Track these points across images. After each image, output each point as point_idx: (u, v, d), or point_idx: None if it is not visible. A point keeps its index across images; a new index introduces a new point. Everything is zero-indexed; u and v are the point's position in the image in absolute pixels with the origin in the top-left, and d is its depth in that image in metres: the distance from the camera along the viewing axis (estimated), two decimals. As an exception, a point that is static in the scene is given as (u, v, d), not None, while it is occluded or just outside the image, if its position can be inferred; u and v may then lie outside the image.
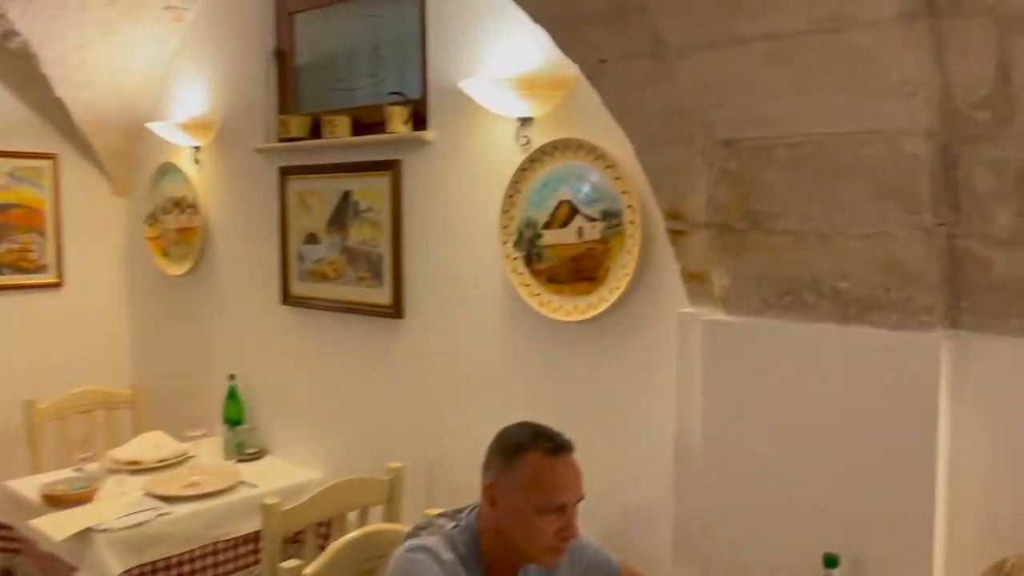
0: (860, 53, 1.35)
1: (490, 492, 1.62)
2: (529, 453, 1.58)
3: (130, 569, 2.47)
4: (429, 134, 2.60)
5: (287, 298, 3.15)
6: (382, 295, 2.80)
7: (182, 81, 3.54)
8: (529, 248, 2.34)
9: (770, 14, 1.40)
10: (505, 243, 2.39)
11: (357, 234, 2.87)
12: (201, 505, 2.69)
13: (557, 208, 2.27)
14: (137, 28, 3.38)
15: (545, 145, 2.27)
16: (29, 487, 2.84)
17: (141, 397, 3.60)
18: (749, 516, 1.77)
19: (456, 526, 1.66)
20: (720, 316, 1.78)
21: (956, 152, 1.40)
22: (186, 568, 2.60)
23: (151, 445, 3.13)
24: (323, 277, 3.00)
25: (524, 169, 2.33)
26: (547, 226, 2.30)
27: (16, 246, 3.64)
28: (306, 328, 3.12)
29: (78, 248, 3.82)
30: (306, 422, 3.14)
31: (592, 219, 2.20)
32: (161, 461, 3.04)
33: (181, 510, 2.64)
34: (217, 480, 2.83)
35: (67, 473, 2.91)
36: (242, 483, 2.86)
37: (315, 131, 3.01)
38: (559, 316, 2.28)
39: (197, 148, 3.49)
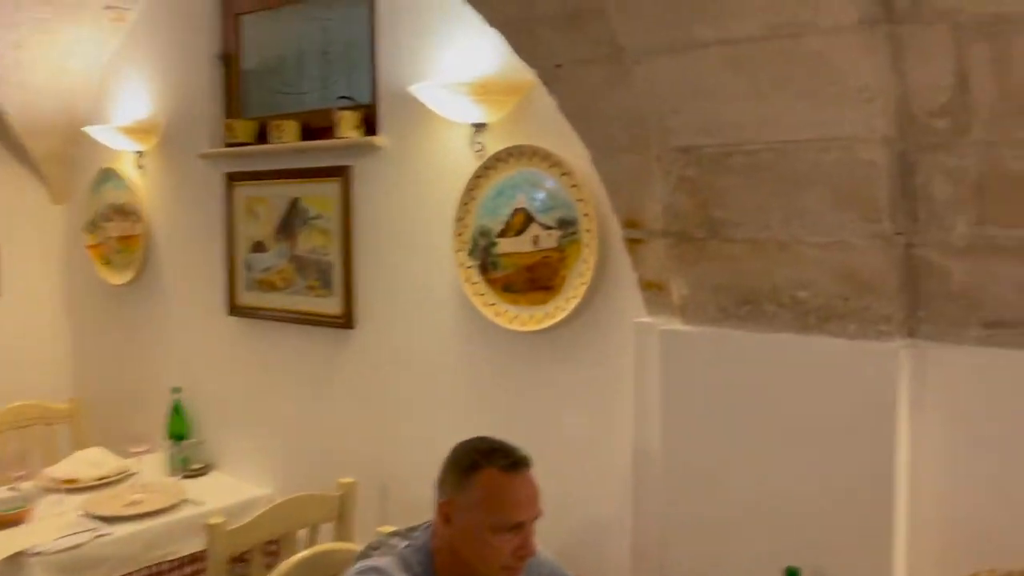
0: (818, 59, 1.35)
1: (444, 510, 1.58)
2: (484, 470, 1.54)
3: (66, 595, 2.36)
4: (380, 140, 2.56)
5: (234, 308, 3.08)
6: (332, 305, 2.74)
7: (124, 83, 3.44)
8: (484, 257, 2.31)
9: (728, 19, 1.39)
10: (459, 252, 2.35)
11: (306, 242, 2.81)
12: (142, 525, 2.59)
13: (512, 216, 2.24)
14: (76, 28, 3.28)
15: (500, 152, 2.24)
16: (-42, 508, 2.70)
17: (80, 412, 3.47)
18: (709, 528, 1.75)
19: (409, 545, 1.61)
20: (678, 326, 1.76)
21: (914, 160, 1.40)
22: (127, 591, 2.49)
23: (90, 462, 3.01)
24: (271, 286, 2.93)
25: (478, 176, 2.29)
26: (502, 234, 2.26)
27: (-53, 255, 3.49)
28: (254, 339, 3.04)
29: (14, 257, 3.69)
30: (254, 436, 3.06)
31: (548, 227, 2.17)
32: (100, 479, 2.92)
33: (121, 530, 2.54)
34: (160, 498, 2.74)
35: (0, 492, 2.77)
36: (186, 501, 2.76)
37: (262, 136, 2.94)
38: (515, 326, 2.25)
39: (140, 153, 3.38)
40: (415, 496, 2.32)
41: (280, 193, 2.87)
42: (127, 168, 3.44)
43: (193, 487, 2.89)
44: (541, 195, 2.19)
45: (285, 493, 2.54)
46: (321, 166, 2.73)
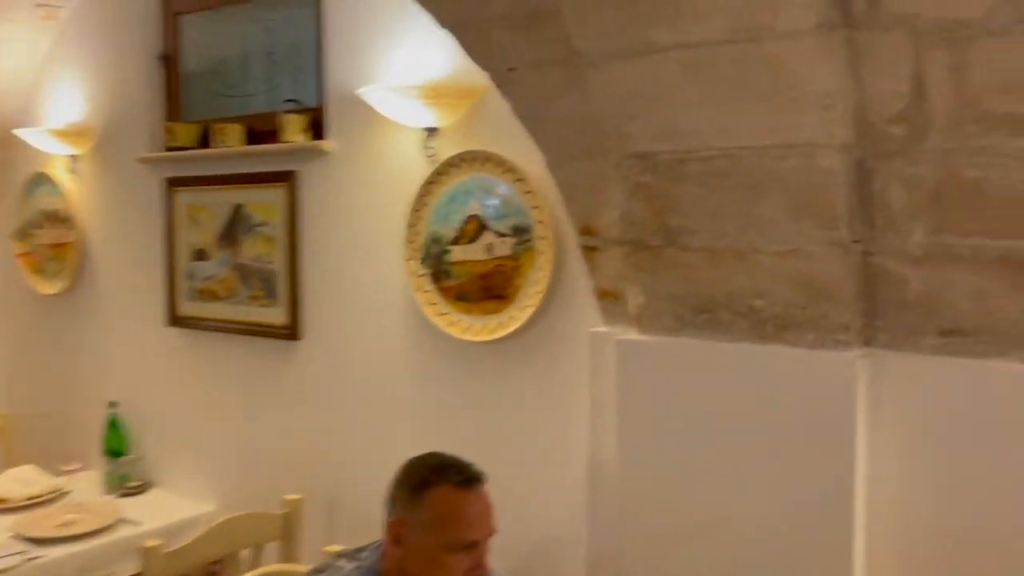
0: (777, 64, 1.33)
1: (394, 529, 1.53)
2: (436, 487, 1.50)
3: (-9, 622, 2.25)
4: (327, 144, 2.51)
5: (174, 319, 2.99)
6: (277, 315, 2.67)
7: (56, 85, 3.33)
8: (436, 265, 2.27)
9: (685, 23, 1.36)
10: (410, 260, 2.31)
11: (250, 250, 2.74)
12: (76, 547, 2.49)
13: (465, 223, 2.21)
14: (5, 26, 3.15)
15: (452, 157, 2.21)
16: None
17: (10, 428, 3.36)
18: (665, 540, 1.72)
19: (358, 567, 1.57)
20: (634, 335, 1.73)
21: (871, 167, 1.39)
22: (58, 618, 2.38)
23: (20, 481, 2.89)
24: (213, 296, 2.85)
25: (430, 182, 2.25)
26: (455, 242, 2.23)
27: None
28: (195, 351, 2.96)
29: (-62, 265, 3.52)
30: (196, 452, 2.97)
31: (502, 235, 2.14)
32: (31, 498, 2.81)
33: (53, 553, 2.44)
34: (95, 518, 2.64)
35: (-78, 515, 2.64)
36: (123, 521, 2.67)
37: (204, 140, 2.87)
38: (468, 336, 2.22)
39: (74, 157, 3.28)
40: (364, 514, 2.28)
41: (223, 199, 2.80)
42: (60, 173, 3.34)
43: (130, 506, 2.80)
44: (495, 202, 2.16)
45: (228, 511, 2.48)
46: (266, 171, 2.67)
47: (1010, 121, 1.24)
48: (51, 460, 3.08)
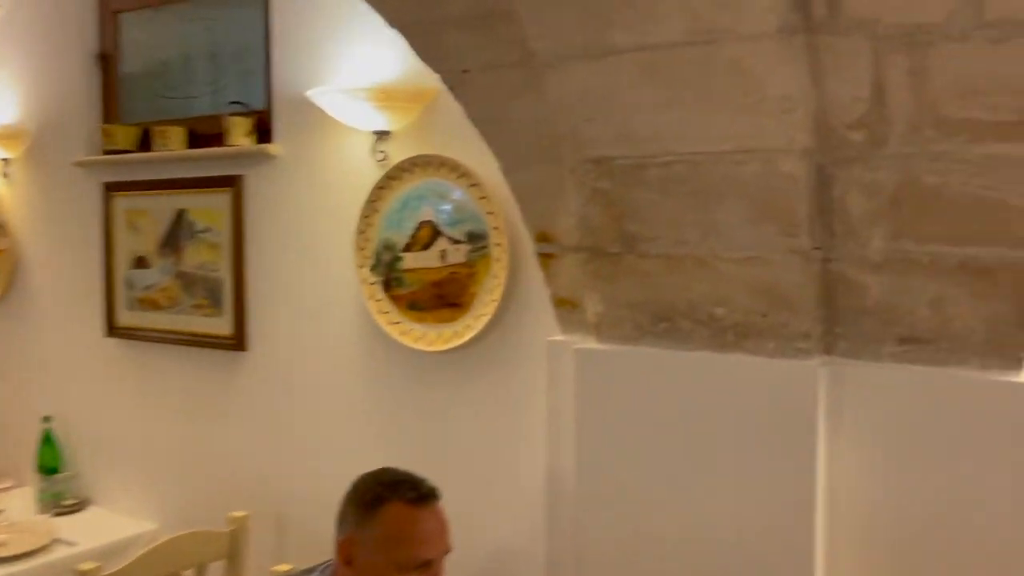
0: (737, 67, 1.31)
1: (345, 549, 1.50)
2: (389, 504, 1.48)
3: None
4: (274, 147, 2.47)
5: (113, 329, 2.92)
6: (222, 325, 2.62)
7: (-14, 85, 3.21)
8: (388, 272, 2.24)
9: (644, 24, 1.33)
10: (361, 267, 2.27)
11: (193, 257, 2.68)
12: (7, 569, 2.41)
13: (418, 229, 2.18)
14: (-70, 22, 3.02)
15: (404, 161, 2.18)
16: None
17: (-64, 445, 3.19)
18: (625, 552, 1.69)
19: None
20: (593, 344, 1.70)
21: (831, 173, 1.38)
22: (-13, 646, 2.28)
23: (-54, 502, 2.77)
24: (154, 305, 2.79)
25: (381, 187, 2.22)
26: (407, 248, 2.20)
27: None
28: (135, 362, 2.89)
29: None
30: (137, 468, 2.90)
31: (456, 241, 2.12)
32: (-41, 520, 2.70)
33: (-17, 576, 2.35)
34: (28, 539, 2.55)
35: None
36: (58, 541, 2.59)
37: (145, 143, 2.82)
38: (421, 346, 2.19)
39: (5, 160, 3.18)
40: (313, 531, 2.24)
41: (164, 204, 2.75)
42: (-9, 177, 3.21)
43: (66, 525, 2.72)
44: (448, 207, 2.13)
45: (170, 530, 2.44)
46: (210, 175, 2.63)
47: (969, 127, 1.24)
48: (-20, 479, 2.96)
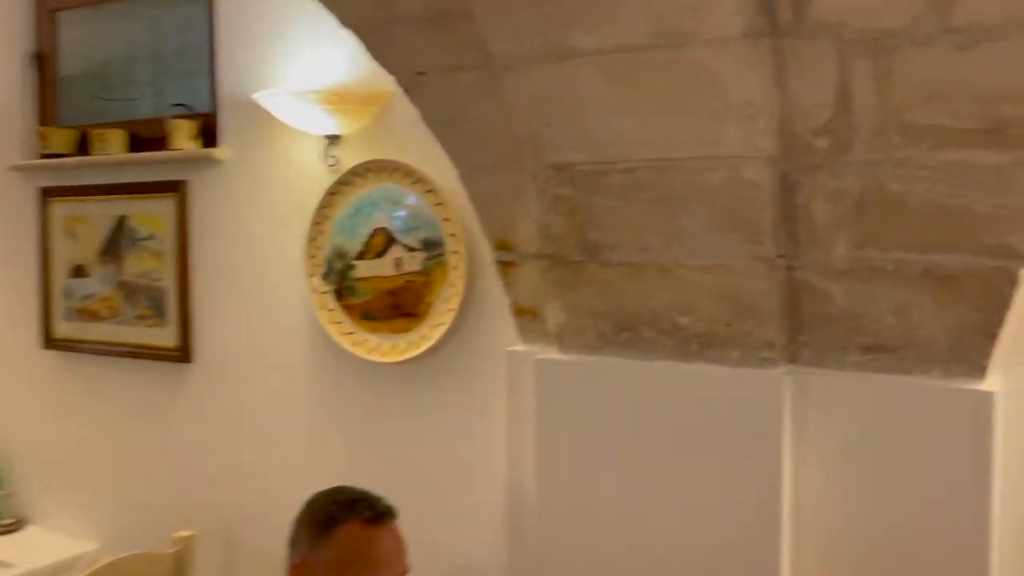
0: (702, 72, 1.29)
1: (298, 572, 1.45)
2: (345, 524, 1.44)
3: None
4: (220, 152, 2.44)
5: (50, 341, 2.85)
6: (166, 336, 2.58)
7: (-88, 85, 3.08)
8: (340, 281, 2.21)
9: (607, 26, 1.31)
10: (312, 276, 2.24)
11: (135, 266, 2.64)
12: None
13: (371, 236, 2.16)
14: None
15: (356, 166, 2.16)
16: None
17: None
18: (588, 567, 1.66)
19: None
20: (554, 354, 1.67)
21: (795, 180, 1.37)
22: None
23: None
24: (94, 316, 2.73)
25: (333, 193, 2.20)
26: (360, 256, 2.18)
27: None
28: (74, 376, 2.83)
29: None
30: (77, 485, 2.83)
31: (411, 249, 2.11)
32: None
33: (-90, 604, 2.26)
34: None
35: None
36: None
37: (83, 147, 2.76)
38: (375, 357, 2.16)
39: None
40: (263, 552, 2.20)
41: (104, 211, 2.70)
42: (-81, 181, 3.08)
43: (3, 546, 2.68)
44: (403, 214, 2.12)
45: (112, 550, 2.41)
46: (152, 181, 2.60)
47: (933, 133, 1.24)
48: (-92, 499, 2.86)
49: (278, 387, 2.39)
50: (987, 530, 1.33)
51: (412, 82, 1.62)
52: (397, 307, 2.12)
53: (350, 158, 2.17)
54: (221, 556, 2.44)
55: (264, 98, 2.17)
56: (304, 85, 2.17)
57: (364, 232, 2.16)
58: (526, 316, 1.75)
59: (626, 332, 1.57)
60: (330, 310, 2.21)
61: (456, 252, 2.02)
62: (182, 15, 2.62)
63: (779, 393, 1.46)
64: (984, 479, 1.33)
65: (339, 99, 2.08)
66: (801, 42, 1.24)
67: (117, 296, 2.67)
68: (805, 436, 1.47)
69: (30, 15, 2.86)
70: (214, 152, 2.43)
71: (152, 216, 2.58)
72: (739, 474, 1.50)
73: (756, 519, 1.49)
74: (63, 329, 2.80)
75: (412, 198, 2.09)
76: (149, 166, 2.58)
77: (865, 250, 1.36)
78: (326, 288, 2.22)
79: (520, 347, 1.78)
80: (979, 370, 1.33)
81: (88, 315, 2.73)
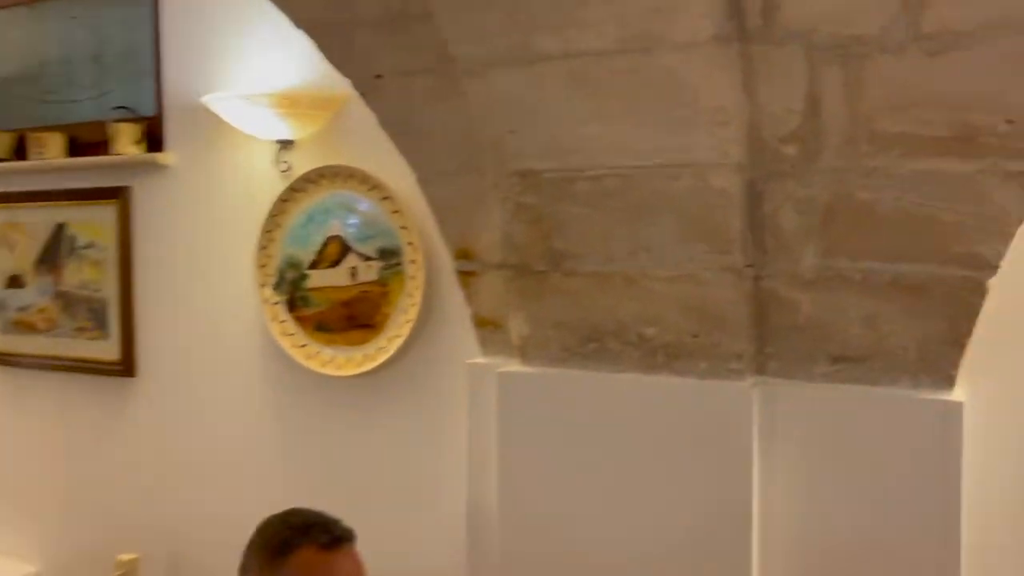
0: (670, 77, 1.27)
1: None
2: (299, 550, 1.39)
3: None
4: (166, 157, 2.41)
5: None
6: (108, 350, 2.53)
7: None
8: (292, 292, 2.18)
9: (573, 30, 1.28)
10: (263, 286, 2.21)
11: (74, 276, 2.59)
12: None
13: (325, 245, 2.13)
14: None
15: (310, 172, 2.13)
16: None
17: None
18: (552, 585, 1.64)
19: None
20: (517, 367, 1.65)
21: (762, 188, 1.36)
22: None
23: None
24: (31, 328, 2.69)
25: (285, 200, 2.17)
26: (314, 266, 2.15)
27: None
28: (10, 390, 2.78)
29: None
30: (14, 506, 2.76)
31: (367, 258, 2.08)
32: None
33: None
34: None
35: None
36: None
37: (20, 151, 2.71)
38: (330, 370, 2.13)
39: None
40: None
41: (42, 218, 2.65)
42: None
43: None
44: (358, 221, 2.10)
45: (53, 574, 2.40)
46: (93, 187, 2.55)
47: (903, 141, 1.24)
48: None
49: (227, 403, 2.35)
50: (955, 539, 1.33)
51: (369, 85, 1.60)
52: (352, 318, 2.10)
53: (303, 164, 2.15)
54: (166, 581, 2.41)
55: (213, 101, 2.14)
56: (255, 88, 2.15)
57: (317, 240, 2.13)
58: (488, 327, 1.73)
59: (591, 344, 1.56)
60: (282, 322, 2.18)
61: (414, 261, 2.00)
62: (126, 14, 2.58)
63: (747, 405, 1.45)
64: (952, 489, 1.34)
65: (291, 103, 2.06)
66: (770, 48, 1.24)
67: (55, 307, 2.62)
68: (774, 448, 1.47)
69: (-40, 13, 2.80)
70: (159, 157, 2.39)
71: (93, 224, 2.53)
72: (707, 488, 1.49)
73: (725, 533, 1.48)
74: (-3, 342, 2.70)
75: (368, 205, 2.07)
76: (90, 171, 2.53)
77: (833, 259, 1.36)
78: (278, 299, 2.19)
79: (481, 359, 1.77)
80: (947, 380, 1.34)
81: (24, 327, 2.69)
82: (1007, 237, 1.22)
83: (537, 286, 1.54)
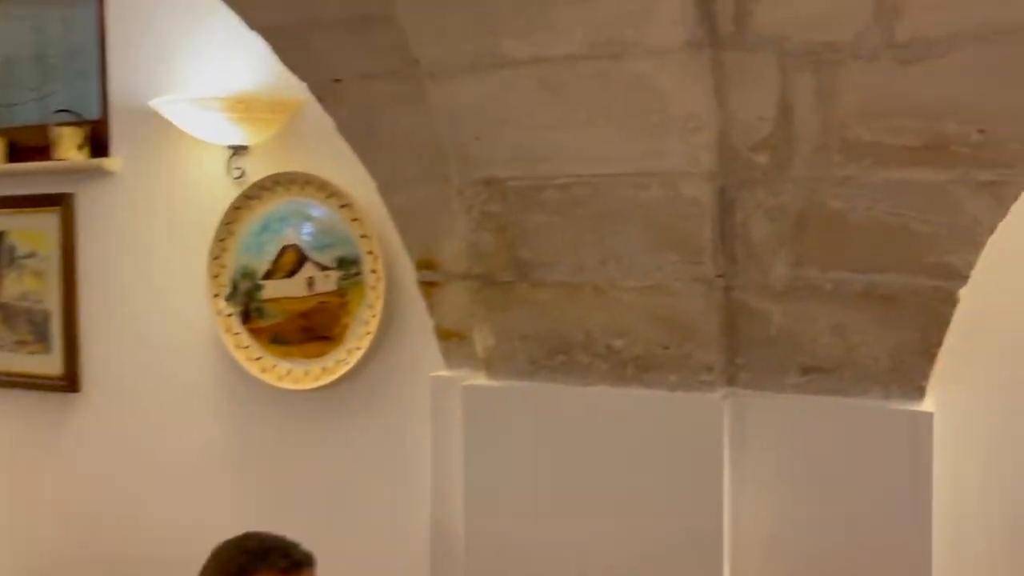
0: (641, 84, 1.25)
1: None
2: (257, 575, 1.37)
3: None
4: (112, 162, 2.36)
5: None
6: (50, 364, 2.48)
7: None
8: (247, 303, 2.15)
9: (541, 33, 1.26)
10: (216, 296, 2.17)
11: (14, 286, 2.57)
12: None
13: (281, 254, 2.11)
14: None
15: (264, 179, 2.11)
16: None
17: None
18: (519, 603, 1.62)
19: None
20: (482, 380, 1.63)
21: (733, 197, 1.36)
22: None
23: None
24: None
25: (238, 207, 2.14)
26: (269, 276, 2.13)
27: None
28: None
29: None
30: None
31: (325, 267, 2.06)
32: None
33: None
34: None
35: None
36: None
37: None
38: (286, 384, 2.10)
39: None
40: None
41: None
42: None
43: None
44: (315, 230, 2.07)
45: None
46: (34, 194, 2.51)
47: (875, 150, 1.23)
48: None
49: (178, 420, 2.31)
50: (926, 550, 1.34)
51: (327, 90, 1.57)
52: (310, 330, 2.07)
53: (257, 170, 2.12)
54: (113, 608, 2.35)
55: (161, 105, 2.11)
56: (206, 91, 2.12)
57: (273, 250, 2.11)
58: (452, 339, 1.71)
59: (559, 356, 1.54)
60: (236, 334, 2.15)
61: (374, 271, 1.98)
62: (69, 14, 2.53)
63: (718, 417, 1.44)
64: (923, 500, 1.34)
65: (245, 107, 2.05)
66: (742, 54, 1.23)
67: (-7, 320, 2.45)
68: (745, 460, 1.47)
69: None
70: (104, 162, 2.35)
71: (34, 232, 2.49)
72: (678, 502, 1.48)
73: (697, 546, 1.47)
74: (-69, 357, 2.67)
75: (325, 213, 2.06)
76: (31, 177, 2.49)
77: (804, 269, 1.35)
78: (231, 310, 2.16)
79: (445, 372, 1.75)
80: (918, 390, 1.34)
81: (-39, 341, 2.54)
82: (978, 247, 1.23)
83: (503, 297, 1.52)
